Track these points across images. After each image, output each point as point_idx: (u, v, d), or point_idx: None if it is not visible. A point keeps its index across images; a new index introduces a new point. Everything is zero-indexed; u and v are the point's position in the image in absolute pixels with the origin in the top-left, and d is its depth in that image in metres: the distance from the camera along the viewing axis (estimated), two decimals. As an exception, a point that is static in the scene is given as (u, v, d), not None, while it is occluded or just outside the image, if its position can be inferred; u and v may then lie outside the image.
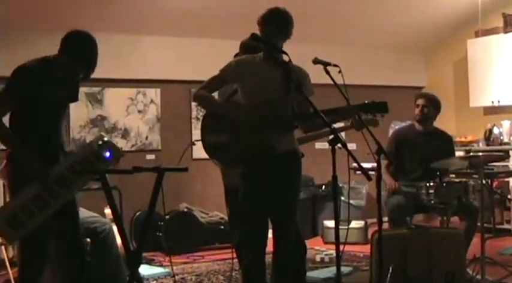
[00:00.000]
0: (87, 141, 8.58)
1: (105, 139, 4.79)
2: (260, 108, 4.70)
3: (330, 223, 8.63)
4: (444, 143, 6.88)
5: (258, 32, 4.78)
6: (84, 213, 5.65)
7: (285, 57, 4.53)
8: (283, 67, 4.73)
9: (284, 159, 4.84)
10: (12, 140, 4.47)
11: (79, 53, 4.70)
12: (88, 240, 5.57)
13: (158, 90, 9.23)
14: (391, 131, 7.93)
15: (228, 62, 4.87)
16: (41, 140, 4.53)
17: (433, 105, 6.73)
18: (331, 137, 4.27)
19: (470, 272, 6.07)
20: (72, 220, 4.75)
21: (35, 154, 4.45)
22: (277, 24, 4.78)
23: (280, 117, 4.76)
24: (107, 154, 4.68)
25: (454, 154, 6.97)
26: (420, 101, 6.68)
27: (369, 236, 6.36)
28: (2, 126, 4.45)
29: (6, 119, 4.53)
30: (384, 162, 6.17)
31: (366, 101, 4.77)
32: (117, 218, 4.43)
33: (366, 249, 6.50)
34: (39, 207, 4.44)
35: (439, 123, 10.86)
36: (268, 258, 4.83)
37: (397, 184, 6.33)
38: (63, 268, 5.41)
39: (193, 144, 5.59)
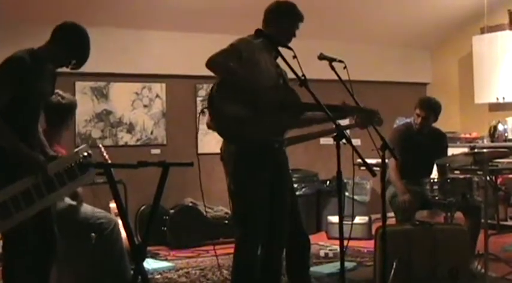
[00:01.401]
0: (92, 135, 8.61)
1: (89, 152, 4.83)
2: (275, 90, 4.71)
3: (334, 219, 8.64)
4: (440, 141, 6.92)
5: (261, 27, 4.81)
6: (89, 208, 5.68)
7: (290, 53, 4.52)
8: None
9: (284, 153, 4.88)
10: (10, 134, 4.42)
11: (73, 43, 4.65)
12: (93, 235, 5.60)
13: (163, 84, 9.23)
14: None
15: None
16: (21, 131, 4.46)
17: (434, 114, 6.70)
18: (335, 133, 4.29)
19: (474, 268, 6.08)
20: (48, 219, 4.76)
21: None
22: (289, 16, 4.82)
23: (296, 103, 4.76)
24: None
25: (447, 151, 6.97)
26: (421, 113, 6.63)
27: (373, 232, 6.38)
28: (3, 124, 4.40)
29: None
30: (391, 164, 6.18)
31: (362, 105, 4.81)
32: (122, 212, 4.44)
33: (370, 244, 6.50)
34: (26, 203, 4.44)
35: (443, 119, 10.90)
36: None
37: (409, 198, 6.28)
38: (69, 269, 5.44)
39: (202, 111, 5.54)
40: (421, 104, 6.69)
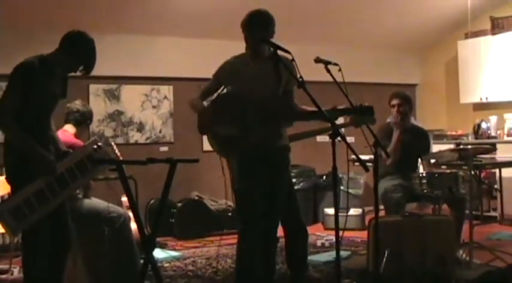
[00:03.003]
0: (105, 134, 8.60)
1: (99, 144, 4.82)
2: (268, 103, 4.71)
3: (330, 211, 8.62)
4: (422, 138, 6.89)
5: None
6: (101, 203, 5.68)
7: (288, 56, 4.52)
8: (272, 59, 4.75)
9: (282, 152, 4.87)
10: (24, 135, 4.38)
11: (79, 50, 4.64)
12: (106, 228, 5.60)
13: (171, 87, 9.22)
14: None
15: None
16: (33, 131, 4.45)
17: (407, 103, 6.66)
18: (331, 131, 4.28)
19: (460, 255, 6.09)
20: (62, 215, 4.75)
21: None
22: (262, 25, 4.81)
23: (282, 112, 4.77)
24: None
25: (429, 147, 6.96)
26: (395, 101, 6.59)
27: (366, 223, 6.37)
28: (17, 126, 4.38)
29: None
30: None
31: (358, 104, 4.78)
32: (133, 206, 4.42)
33: (364, 234, 6.48)
34: (40, 202, 4.42)
35: (431, 118, 10.92)
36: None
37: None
38: (84, 260, 5.42)
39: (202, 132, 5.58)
40: (393, 94, 6.72)
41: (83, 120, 5.85)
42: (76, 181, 4.65)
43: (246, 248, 4.90)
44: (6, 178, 4.59)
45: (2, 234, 7.27)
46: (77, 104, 5.90)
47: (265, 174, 4.80)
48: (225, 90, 5.02)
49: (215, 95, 4.94)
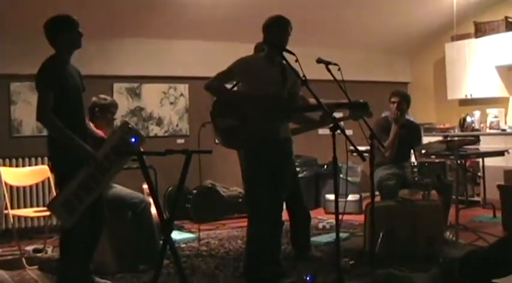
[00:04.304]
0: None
1: (130, 126, 4.75)
2: (269, 98, 4.70)
3: (331, 197, 8.60)
4: (414, 131, 6.88)
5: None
6: (124, 190, 5.69)
7: (293, 57, 4.51)
8: (281, 66, 4.80)
9: (283, 144, 4.85)
10: (67, 132, 4.38)
11: (55, 32, 4.53)
12: (129, 212, 5.60)
13: (187, 85, 9.20)
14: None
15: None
16: (70, 124, 4.44)
17: (406, 101, 6.68)
18: (331, 124, 4.27)
19: (447, 236, 6.09)
20: (99, 202, 4.75)
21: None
22: (280, 28, 4.81)
23: (286, 107, 4.76)
24: (133, 139, 4.65)
25: (421, 139, 6.94)
26: (395, 98, 6.60)
27: (363, 207, 6.35)
28: (57, 121, 4.37)
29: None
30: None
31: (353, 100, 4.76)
32: (153, 192, 4.42)
33: (361, 218, 6.48)
34: (86, 193, 4.42)
35: (422, 112, 10.89)
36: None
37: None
38: (110, 241, 5.42)
39: (203, 125, 5.55)
40: (394, 93, 6.74)
41: (96, 111, 5.61)
42: (114, 165, 4.62)
43: (255, 232, 4.92)
44: (51, 168, 4.61)
45: (37, 217, 7.29)
46: (93, 98, 5.70)
47: (269, 164, 4.79)
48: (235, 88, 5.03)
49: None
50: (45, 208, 5.63)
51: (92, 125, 5.41)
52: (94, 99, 5.65)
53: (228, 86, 5.17)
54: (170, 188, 8.39)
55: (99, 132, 5.42)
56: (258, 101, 4.73)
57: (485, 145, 8.71)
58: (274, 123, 4.78)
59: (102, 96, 5.74)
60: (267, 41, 4.85)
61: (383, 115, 6.97)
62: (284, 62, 4.72)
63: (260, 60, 4.89)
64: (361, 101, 4.87)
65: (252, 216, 4.95)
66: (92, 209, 4.61)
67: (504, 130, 9.58)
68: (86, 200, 4.43)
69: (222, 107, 4.87)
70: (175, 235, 6.71)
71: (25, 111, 7.68)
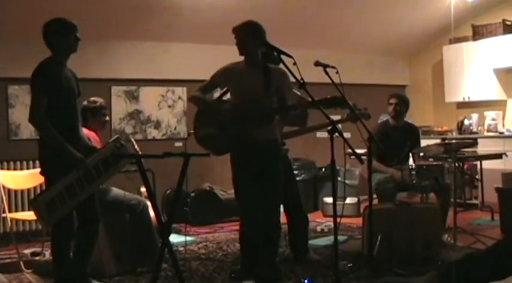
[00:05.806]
0: (126, 131, 8.60)
1: (122, 142, 4.81)
2: (242, 104, 4.72)
3: (329, 200, 8.62)
4: (413, 134, 6.89)
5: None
6: (123, 193, 5.68)
7: (290, 60, 4.50)
8: (264, 70, 4.80)
9: (264, 147, 4.81)
10: (57, 136, 4.38)
11: (52, 36, 4.53)
12: (127, 214, 5.60)
13: (184, 88, 9.19)
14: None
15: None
16: (64, 130, 4.45)
17: (404, 103, 6.72)
18: (329, 127, 4.28)
19: (445, 239, 6.09)
20: (89, 203, 4.74)
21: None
22: (253, 34, 4.86)
23: (259, 111, 4.74)
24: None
25: (420, 143, 6.95)
26: (393, 100, 6.66)
27: (361, 210, 6.36)
28: (49, 125, 4.38)
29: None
30: (374, 162, 6.13)
31: (329, 96, 4.67)
32: (151, 195, 4.43)
33: (359, 221, 6.49)
34: (70, 196, 4.41)
35: (419, 115, 10.89)
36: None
37: (401, 174, 6.29)
38: (108, 243, 5.42)
39: (189, 135, 5.56)
40: (392, 95, 6.78)
41: (89, 115, 5.59)
42: (101, 176, 4.63)
43: (243, 232, 5.08)
44: (40, 171, 4.60)
45: (35, 220, 7.28)
46: (84, 103, 5.62)
47: (249, 167, 4.82)
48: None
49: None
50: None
51: (84, 131, 5.40)
52: (84, 103, 5.62)
53: (216, 94, 5.23)
54: (168, 191, 8.39)
55: (93, 138, 5.41)
56: (216, 107, 4.86)
57: (483, 148, 8.71)
58: (249, 127, 4.74)
59: (92, 99, 5.69)
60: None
61: (383, 119, 6.99)
62: (269, 64, 4.75)
63: (240, 67, 4.89)
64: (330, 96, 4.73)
65: (241, 219, 5.20)
66: (84, 213, 4.62)
67: (502, 133, 9.58)
68: (68, 204, 4.43)
69: (202, 116, 4.93)
70: (173, 238, 6.71)
71: (23, 114, 7.66)
